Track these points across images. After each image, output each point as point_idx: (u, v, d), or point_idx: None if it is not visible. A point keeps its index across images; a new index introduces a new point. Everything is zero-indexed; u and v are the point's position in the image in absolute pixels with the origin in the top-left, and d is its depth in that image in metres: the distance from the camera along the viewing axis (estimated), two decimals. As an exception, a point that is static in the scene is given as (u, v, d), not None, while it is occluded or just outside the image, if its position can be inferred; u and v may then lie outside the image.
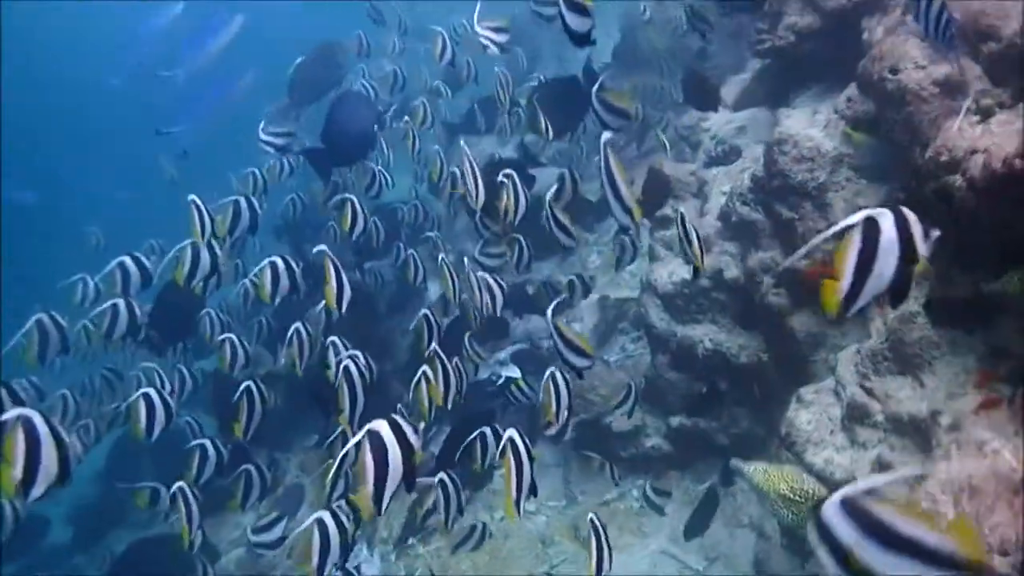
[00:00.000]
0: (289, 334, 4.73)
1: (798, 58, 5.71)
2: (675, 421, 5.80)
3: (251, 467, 4.74)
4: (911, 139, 4.17)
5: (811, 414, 4.50)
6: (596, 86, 4.64)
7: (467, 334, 5.47)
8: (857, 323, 4.80)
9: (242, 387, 4.55)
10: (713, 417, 5.64)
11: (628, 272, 7.40)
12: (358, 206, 5.13)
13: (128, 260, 4.97)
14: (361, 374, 3.98)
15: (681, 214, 3.77)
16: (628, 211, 3.56)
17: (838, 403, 4.45)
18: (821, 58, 5.63)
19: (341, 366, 3.94)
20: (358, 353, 4.22)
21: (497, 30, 5.03)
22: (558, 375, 3.99)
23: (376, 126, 7.02)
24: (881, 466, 4.01)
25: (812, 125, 4.97)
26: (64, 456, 3.11)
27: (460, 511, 4.25)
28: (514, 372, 6.80)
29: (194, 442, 4.94)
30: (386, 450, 2.84)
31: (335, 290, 4.26)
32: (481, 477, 6.82)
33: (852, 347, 4.56)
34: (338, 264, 4.32)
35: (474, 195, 3.72)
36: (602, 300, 7.16)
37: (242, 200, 4.95)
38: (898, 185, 4.47)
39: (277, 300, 4.82)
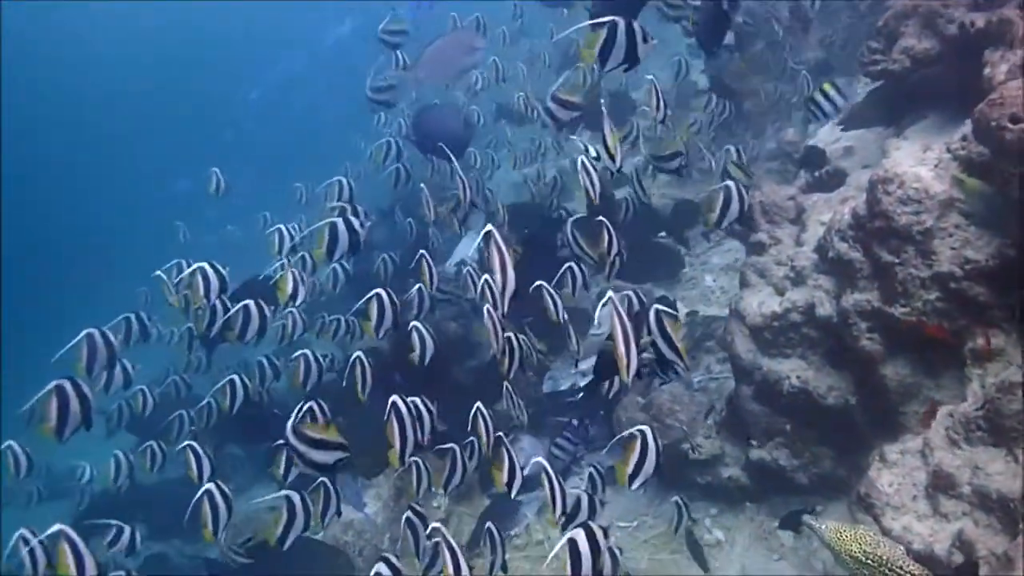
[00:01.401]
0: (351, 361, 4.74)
1: (913, 83, 5.37)
2: (755, 454, 5.62)
3: (327, 481, 4.81)
4: (1027, 197, 3.87)
5: (894, 476, 4.30)
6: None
7: (506, 386, 5.32)
8: (954, 379, 4.54)
9: (304, 407, 4.56)
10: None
11: (719, 288, 7.22)
12: (431, 264, 5.13)
13: (207, 266, 5.11)
14: (411, 411, 3.98)
15: (613, 303, 3.29)
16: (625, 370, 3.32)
17: (924, 467, 4.22)
18: (939, 86, 5.28)
19: (390, 401, 3.94)
20: (417, 400, 4.23)
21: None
22: (649, 433, 3.85)
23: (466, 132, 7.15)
24: (962, 543, 3.80)
25: (922, 163, 4.66)
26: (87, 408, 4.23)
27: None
28: (596, 383, 6.71)
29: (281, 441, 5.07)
30: None
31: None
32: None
33: (945, 408, 4.31)
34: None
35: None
36: (691, 315, 6.98)
37: (339, 222, 4.92)
38: (1010, 241, 4.17)
39: (382, 334, 4.91)
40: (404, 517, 4.52)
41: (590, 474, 5.36)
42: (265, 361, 6.70)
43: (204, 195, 8.24)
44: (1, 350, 16.97)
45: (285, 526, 4.53)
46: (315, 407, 4.48)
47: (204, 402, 6.85)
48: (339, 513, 4.65)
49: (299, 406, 4.53)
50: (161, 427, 6.89)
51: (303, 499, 4.58)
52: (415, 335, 5.18)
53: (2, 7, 25.61)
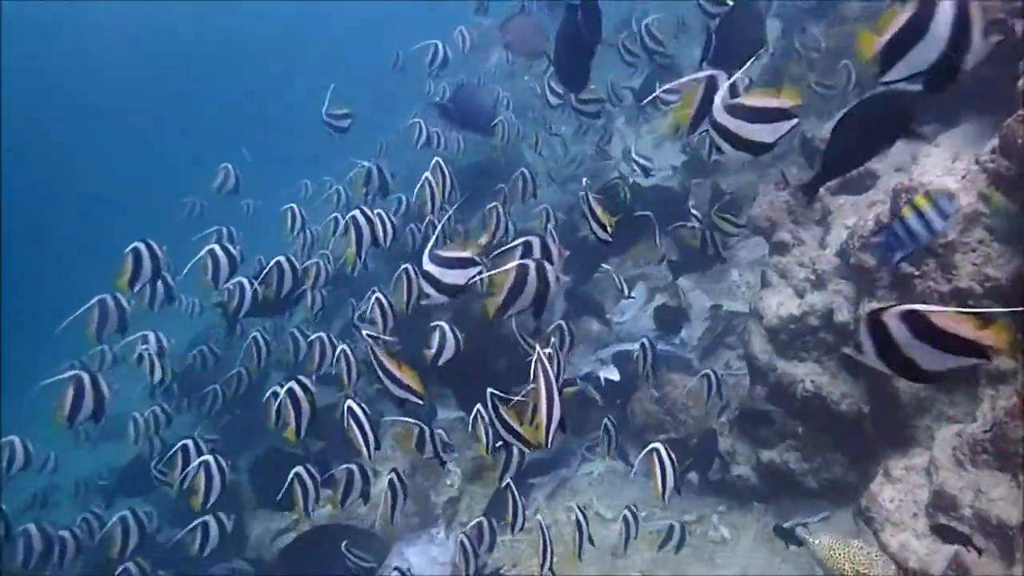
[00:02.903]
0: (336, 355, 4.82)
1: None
2: (766, 455, 5.60)
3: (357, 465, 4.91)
4: (1049, 219, 3.76)
5: (896, 491, 4.25)
6: None
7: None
8: (968, 395, 4.46)
9: (283, 390, 4.45)
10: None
11: (745, 283, 7.14)
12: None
13: (218, 248, 5.23)
14: (367, 413, 3.99)
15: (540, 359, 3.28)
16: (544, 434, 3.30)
17: (927, 485, 4.17)
18: (980, 90, 5.10)
19: (346, 407, 3.89)
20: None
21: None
22: (662, 449, 4.02)
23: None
24: (958, 565, 3.76)
25: (949, 173, 4.54)
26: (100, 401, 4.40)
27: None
28: (614, 374, 6.72)
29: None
30: None
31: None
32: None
33: (954, 427, 4.25)
34: None
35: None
36: (714, 309, 6.93)
37: (359, 216, 4.93)
38: (1033, 261, 4.06)
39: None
40: (388, 480, 4.66)
41: (605, 425, 5.52)
42: (297, 332, 6.82)
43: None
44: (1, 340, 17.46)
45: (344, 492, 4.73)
46: (295, 386, 4.48)
47: (234, 372, 7.05)
48: (366, 497, 4.78)
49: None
50: (197, 396, 7.14)
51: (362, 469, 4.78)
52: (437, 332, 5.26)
53: (2, 7, 25.92)
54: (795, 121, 3.09)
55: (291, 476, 4.42)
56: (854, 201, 5.56)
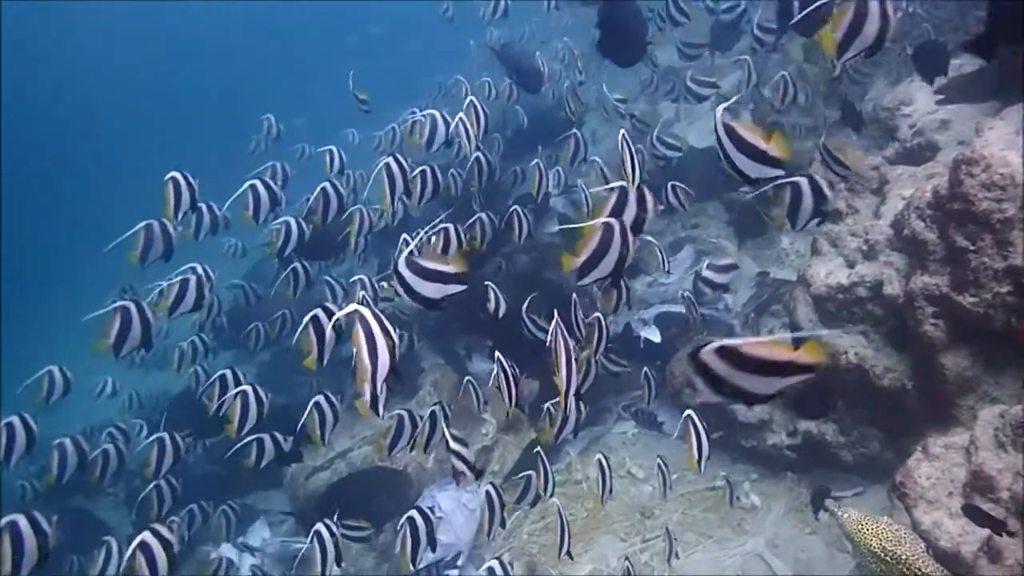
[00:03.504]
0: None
1: (1016, 62, 4.99)
2: (803, 426, 5.54)
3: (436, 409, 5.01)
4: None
5: (933, 469, 4.18)
6: None
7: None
8: (1014, 377, 4.35)
9: (311, 314, 4.18)
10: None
11: (795, 251, 7.01)
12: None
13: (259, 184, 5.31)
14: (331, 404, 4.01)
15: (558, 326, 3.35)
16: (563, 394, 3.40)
17: (965, 465, 4.09)
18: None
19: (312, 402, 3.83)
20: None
21: None
22: (695, 418, 3.95)
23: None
24: (990, 549, 3.70)
25: (1012, 147, 4.37)
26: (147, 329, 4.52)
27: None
28: (655, 335, 6.67)
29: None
30: None
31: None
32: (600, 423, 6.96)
33: (997, 408, 4.15)
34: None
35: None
36: (760, 276, 6.81)
37: (392, 162, 4.91)
38: (1095, 241, 3.91)
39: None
40: (428, 412, 4.85)
41: (645, 373, 5.55)
42: (332, 279, 6.88)
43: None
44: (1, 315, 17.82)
45: (393, 439, 4.80)
46: (320, 312, 4.29)
47: (278, 314, 7.16)
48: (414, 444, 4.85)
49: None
50: (241, 336, 7.31)
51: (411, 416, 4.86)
52: (490, 292, 5.47)
53: (2, 7, 26.06)
54: (778, 172, 3.30)
55: (310, 405, 4.44)
56: (912, 172, 5.40)
